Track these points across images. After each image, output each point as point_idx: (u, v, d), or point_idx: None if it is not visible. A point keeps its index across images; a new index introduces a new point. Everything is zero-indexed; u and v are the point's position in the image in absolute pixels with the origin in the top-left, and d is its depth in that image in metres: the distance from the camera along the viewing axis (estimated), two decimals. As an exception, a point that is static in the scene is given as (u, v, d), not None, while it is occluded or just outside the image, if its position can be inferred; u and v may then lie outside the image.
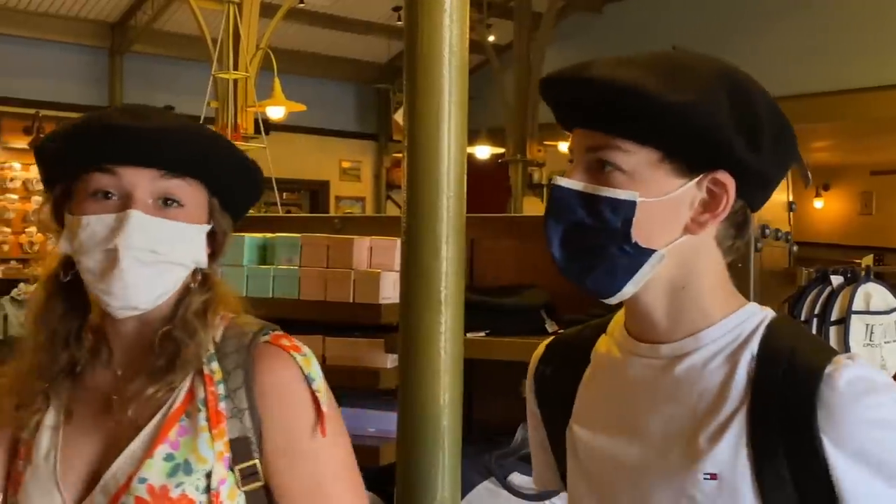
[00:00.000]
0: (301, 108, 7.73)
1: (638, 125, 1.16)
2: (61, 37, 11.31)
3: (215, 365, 1.33)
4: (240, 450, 1.30)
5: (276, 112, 7.75)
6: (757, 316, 1.23)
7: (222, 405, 1.30)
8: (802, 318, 2.41)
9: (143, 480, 1.26)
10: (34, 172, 10.84)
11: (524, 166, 12.38)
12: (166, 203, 1.31)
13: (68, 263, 1.34)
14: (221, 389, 1.32)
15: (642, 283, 1.20)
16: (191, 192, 1.33)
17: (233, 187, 1.41)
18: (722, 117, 1.15)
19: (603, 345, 1.35)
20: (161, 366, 1.31)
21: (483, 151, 11.68)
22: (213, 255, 1.39)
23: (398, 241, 1.86)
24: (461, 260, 2.13)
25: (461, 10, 2.06)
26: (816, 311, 2.41)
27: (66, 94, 11.31)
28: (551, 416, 1.40)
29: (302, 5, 10.78)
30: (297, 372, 1.34)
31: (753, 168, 1.18)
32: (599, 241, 1.18)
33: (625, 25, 12.37)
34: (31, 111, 10.74)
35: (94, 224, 1.28)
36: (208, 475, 1.27)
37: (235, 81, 7.12)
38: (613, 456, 1.26)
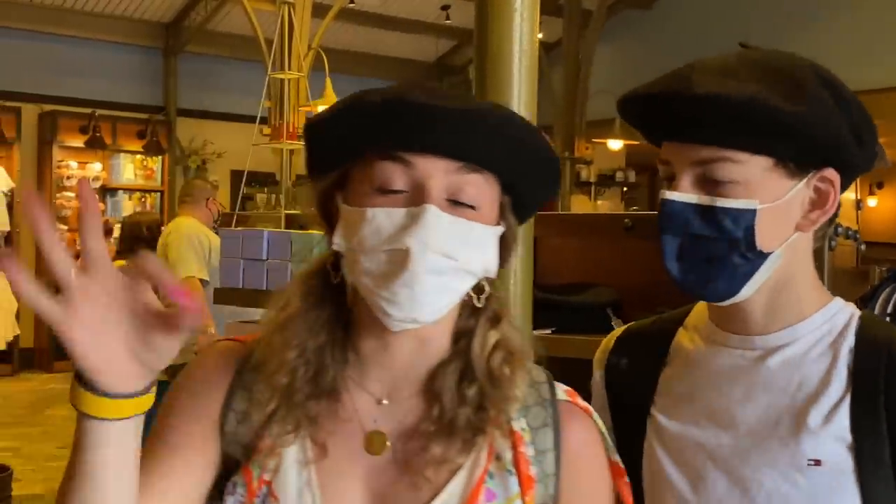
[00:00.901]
0: (352, 107, 7.76)
1: (755, 138, 1.19)
2: (116, 37, 11.47)
3: (524, 422, 1.12)
4: None
5: (328, 111, 7.77)
6: (845, 311, 1.28)
7: (533, 470, 1.10)
8: (874, 317, 2.40)
9: None
10: (90, 171, 11.02)
11: (572, 164, 12.32)
12: (458, 202, 1.07)
13: (335, 264, 1.13)
14: (531, 451, 1.11)
15: (758, 284, 1.23)
16: (487, 190, 1.09)
17: (531, 185, 1.16)
18: (835, 119, 1.18)
19: (684, 337, 1.38)
20: (465, 423, 1.09)
21: (531, 149, 11.65)
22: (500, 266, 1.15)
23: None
24: (529, 258, 2.14)
25: (531, 9, 2.07)
26: (889, 309, 2.38)
27: (122, 94, 11.48)
28: (624, 406, 1.41)
29: (352, 5, 10.84)
30: (599, 437, 1.17)
31: (857, 162, 1.23)
32: (720, 251, 1.21)
33: (675, 22, 12.27)
34: (88, 111, 10.90)
35: (381, 218, 1.05)
36: None
37: (288, 81, 7.17)
38: (705, 444, 1.28)
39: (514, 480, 1.09)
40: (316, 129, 1.14)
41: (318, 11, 8.88)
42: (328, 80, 6.78)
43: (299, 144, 6.46)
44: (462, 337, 1.13)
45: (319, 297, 1.13)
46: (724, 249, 1.21)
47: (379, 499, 1.09)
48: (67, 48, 11.12)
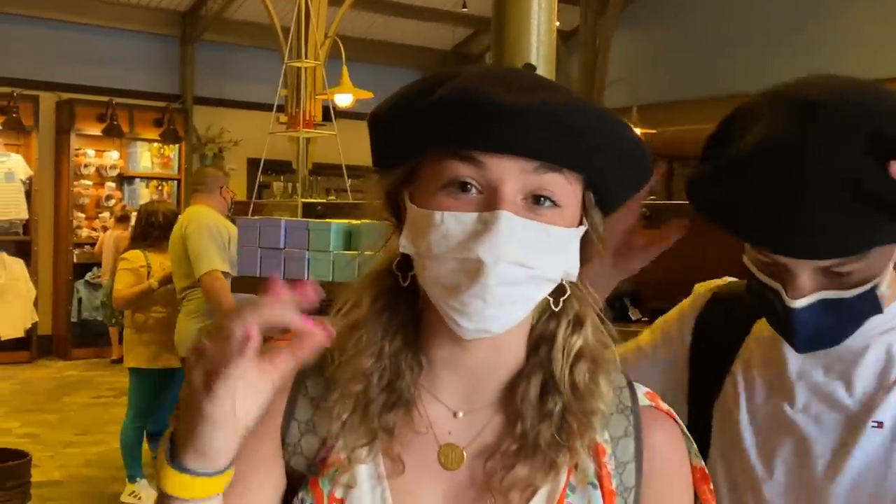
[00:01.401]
0: (368, 95, 7.76)
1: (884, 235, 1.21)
2: (133, 25, 11.50)
3: (606, 433, 1.05)
4: None
5: (344, 99, 7.79)
6: None
7: (614, 483, 1.03)
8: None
9: None
10: (107, 159, 11.07)
11: (589, 153, 12.31)
12: (538, 201, 0.98)
13: (401, 263, 1.04)
14: (612, 464, 1.04)
15: None
16: (568, 189, 0.99)
17: (614, 180, 1.05)
18: None
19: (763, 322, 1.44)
20: (548, 444, 1.01)
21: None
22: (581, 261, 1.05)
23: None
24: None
25: (550, -3, 2.06)
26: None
27: (139, 83, 11.51)
28: (708, 362, 1.49)
29: (369, -7, 10.83)
30: (683, 442, 1.10)
31: None
32: (852, 323, 1.29)
33: (694, 10, 12.19)
34: (105, 99, 10.93)
35: (450, 223, 0.96)
36: None
37: (305, 69, 7.17)
38: (780, 406, 1.38)
39: (597, 494, 1.02)
40: (379, 123, 1.04)
41: (335, -1, 8.89)
42: (345, 69, 6.79)
43: (316, 133, 6.49)
44: (542, 343, 1.05)
45: (392, 299, 1.05)
46: (855, 322, 1.28)
47: None
48: (85, 36, 11.16)
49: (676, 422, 1.10)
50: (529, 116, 0.94)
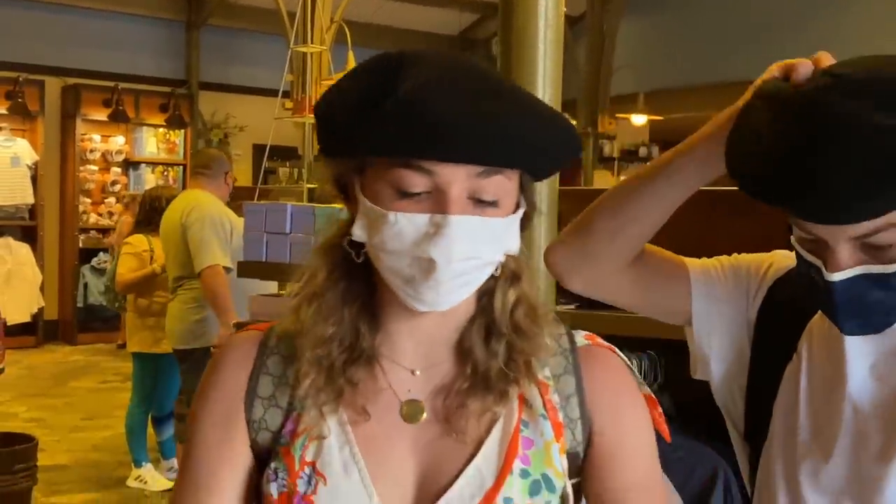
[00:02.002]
0: (374, 80, 7.76)
1: None
2: (139, 10, 11.47)
3: (547, 370, 1.14)
4: (572, 464, 1.14)
5: (350, 85, 7.77)
6: None
7: (560, 415, 1.13)
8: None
9: (508, 500, 1.07)
10: (113, 144, 11.08)
11: (595, 139, 12.28)
12: (480, 201, 1.06)
13: (353, 242, 1.10)
14: (556, 398, 1.14)
15: None
16: (508, 185, 1.08)
17: (552, 165, 1.18)
18: None
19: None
20: (497, 375, 1.11)
21: (554, 124, 11.60)
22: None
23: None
24: (554, 232, 2.14)
25: (557, -18, 2.05)
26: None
27: (144, 68, 11.51)
28: (772, 336, 1.44)
29: (375, -22, 10.79)
30: (625, 370, 1.20)
31: None
32: (893, 302, 1.23)
33: (700, -4, 12.13)
34: (111, 84, 10.92)
35: (403, 223, 1.04)
36: (563, 495, 1.12)
37: (310, 55, 7.16)
38: (838, 385, 1.34)
39: (548, 425, 1.12)
40: (324, 119, 1.08)
41: (341, -16, 8.85)
42: (350, 54, 6.76)
43: (322, 118, 6.47)
44: (484, 295, 1.14)
45: (346, 270, 1.12)
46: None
47: (424, 464, 1.10)
48: (90, 21, 11.15)
49: (617, 354, 1.20)
50: (474, 128, 1.01)
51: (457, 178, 1.03)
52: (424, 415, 1.12)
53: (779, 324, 1.44)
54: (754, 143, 1.21)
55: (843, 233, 1.18)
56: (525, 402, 1.12)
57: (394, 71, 1.03)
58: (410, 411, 1.12)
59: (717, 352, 1.47)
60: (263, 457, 1.13)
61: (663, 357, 2.43)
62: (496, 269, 1.11)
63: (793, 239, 1.29)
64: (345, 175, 1.11)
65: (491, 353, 1.12)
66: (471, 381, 1.11)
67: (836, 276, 1.20)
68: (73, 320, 10.68)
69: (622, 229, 1.41)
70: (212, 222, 4.81)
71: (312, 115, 6.40)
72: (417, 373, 1.14)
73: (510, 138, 1.04)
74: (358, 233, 1.07)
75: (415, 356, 1.14)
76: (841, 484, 1.34)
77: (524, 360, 1.12)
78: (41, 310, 10.05)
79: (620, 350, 1.23)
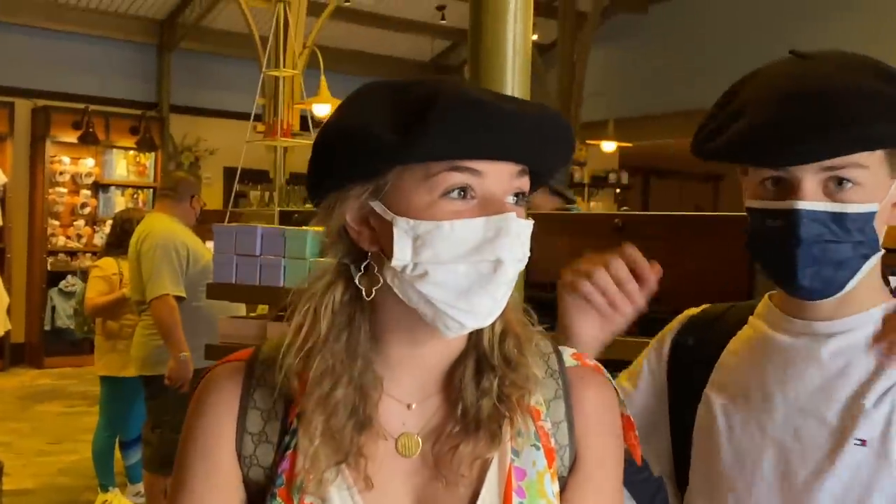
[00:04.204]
0: (347, 105, 7.78)
1: (884, 129, 1.24)
2: (110, 33, 11.45)
3: (539, 396, 1.12)
4: (561, 489, 1.11)
5: (322, 109, 7.79)
6: None
7: (552, 442, 1.11)
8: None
9: None
10: (83, 167, 11.01)
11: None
12: (517, 202, 1.05)
13: (366, 276, 1.07)
14: (548, 424, 1.11)
15: (860, 278, 1.30)
16: (528, 185, 1.08)
17: (552, 174, 1.17)
18: None
19: (751, 323, 1.46)
20: (488, 416, 1.07)
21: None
22: None
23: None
24: (521, 256, 2.16)
25: (525, 10, 2.09)
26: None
27: (116, 90, 11.47)
28: (684, 384, 1.50)
29: (347, 4, 10.85)
30: (612, 393, 1.17)
31: None
32: (847, 254, 1.26)
33: (669, 26, 12.30)
34: (81, 106, 10.88)
35: (462, 231, 1.00)
36: None
37: (283, 79, 7.18)
38: (755, 419, 1.38)
39: (540, 455, 1.09)
40: (358, 136, 1.01)
41: (314, 9, 8.90)
42: (323, 78, 6.79)
43: (293, 142, 6.49)
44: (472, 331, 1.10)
45: (348, 317, 1.08)
46: (851, 252, 1.26)
47: (421, 499, 1.08)
48: (61, 43, 11.10)
49: (604, 374, 1.18)
50: (522, 123, 1.01)
51: (502, 177, 1.02)
52: (419, 448, 1.09)
53: (688, 374, 1.50)
54: (726, 117, 1.31)
55: (816, 168, 1.24)
56: (516, 432, 1.08)
57: (417, 81, 1.04)
58: (406, 444, 1.09)
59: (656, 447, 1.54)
60: (256, 494, 1.09)
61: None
62: None
63: (748, 202, 1.33)
64: (353, 207, 1.05)
65: (482, 391, 1.08)
66: (462, 423, 1.08)
67: (803, 205, 1.24)
68: (40, 343, 10.56)
69: None
70: (164, 250, 4.69)
71: (284, 139, 6.44)
72: (413, 406, 1.10)
73: (545, 137, 1.05)
74: (401, 256, 1.01)
75: (411, 389, 1.11)
76: (769, 496, 1.36)
77: (518, 392, 1.08)
78: (8, 333, 9.90)
79: None
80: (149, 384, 4.94)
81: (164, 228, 4.84)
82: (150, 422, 5.06)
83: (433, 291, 1.01)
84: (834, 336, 1.35)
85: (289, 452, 1.07)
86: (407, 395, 1.10)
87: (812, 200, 1.24)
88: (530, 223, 1.04)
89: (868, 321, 1.35)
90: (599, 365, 1.19)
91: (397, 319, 1.07)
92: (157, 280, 4.66)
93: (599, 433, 1.14)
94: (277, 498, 1.06)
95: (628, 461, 1.20)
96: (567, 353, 1.18)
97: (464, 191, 1.01)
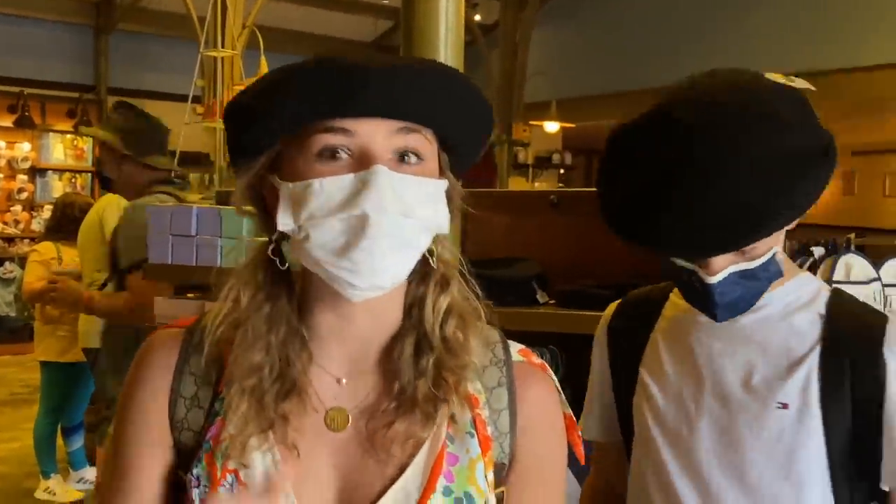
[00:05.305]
0: (288, 86, 7.72)
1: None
2: (46, 14, 11.24)
3: (479, 384, 1.11)
4: (497, 475, 1.10)
5: (263, 91, 7.74)
6: (813, 283, 1.53)
7: (489, 429, 1.10)
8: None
9: None
10: (19, 151, 10.82)
11: (510, 146, 12.40)
12: (403, 158, 1.03)
13: (276, 250, 1.08)
14: (487, 412, 1.10)
15: None
16: (428, 146, 1.06)
17: (466, 140, 1.12)
18: None
19: (672, 302, 1.58)
20: (424, 397, 1.07)
21: (469, 131, 11.67)
22: None
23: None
24: (456, 233, 2.19)
25: (457, -13, 2.10)
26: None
27: (52, 73, 11.27)
28: (622, 365, 1.64)
29: (288, -16, 10.75)
30: (554, 393, 1.17)
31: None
32: (755, 291, 1.43)
33: (611, 7, 12.36)
34: (16, 90, 10.69)
35: (330, 187, 1.00)
36: None
37: (222, 60, 7.10)
38: (686, 394, 1.51)
39: (474, 442, 1.08)
40: (238, 110, 1.07)
41: (254, -10, 8.80)
42: (263, 59, 6.74)
43: (233, 124, 6.44)
44: (413, 306, 1.11)
45: (270, 289, 1.09)
46: (760, 287, 1.43)
47: (346, 477, 1.07)
48: (-6, 25, 10.88)
49: (548, 374, 1.18)
50: (390, 80, 1.00)
51: (377, 135, 1.01)
52: (349, 423, 1.09)
53: (624, 356, 1.63)
54: (620, 198, 1.41)
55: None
56: (452, 417, 1.08)
57: (311, 59, 1.04)
58: (335, 419, 1.09)
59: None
60: (185, 457, 1.10)
61: (565, 352, 2.51)
62: (433, 262, 1.09)
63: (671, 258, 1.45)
64: (260, 179, 1.08)
65: (419, 371, 1.08)
66: (397, 401, 1.07)
67: (714, 279, 1.38)
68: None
69: None
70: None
71: (223, 121, 6.38)
72: (344, 381, 1.10)
73: (426, 91, 1.03)
74: (284, 221, 1.03)
75: (342, 363, 1.10)
76: (707, 458, 1.48)
77: (454, 377, 1.07)
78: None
79: (522, 344, 1.21)
80: (96, 356, 4.91)
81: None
82: (97, 404, 5.02)
83: (318, 252, 1.01)
84: (753, 311, 1.46)
85: (218, 419, 1.08)
86: (338, 369, 1.10)
87: (721, 273, 1.38)
88: (411, 178, 1.02)
89: (783, 295, 1.48)
90: (545, 364, 1.18)
91: (318, 288, 1.08)
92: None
93: (542, 429, 1.14)
94: (203, 462, 1.07)
95: (572, 457, 1.19)
96: (515, 347, 1.17)
97: (337, 151, 1.01)
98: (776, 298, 1.47)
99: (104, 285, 3.83)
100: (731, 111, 1.34)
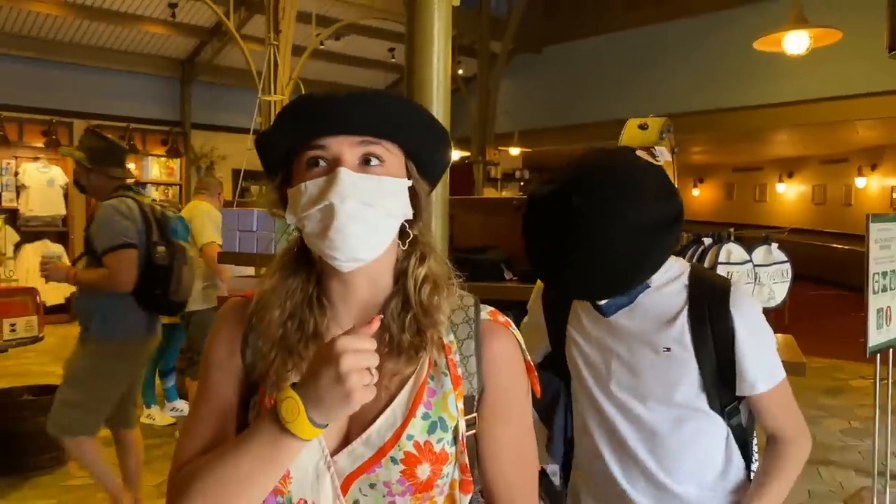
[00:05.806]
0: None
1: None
2: (146, 69, 11.17)
3: (452, 336, 1.10)
4: (468, 405, 1.09)
5: (304, 125, 7.70)
6: (682, 263, 1.59)
7: (460, 370, 1.08)
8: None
9: (410, 437, 1.04)
10: (126, 170, 10.71)
11: (484, 165, 12.39)
12: (367, 162, 1.03)
13: (299, 240, 1.10)
14: (458, 357, 1.09)
15: None
16: (388, 153, 1.05)
17: (425, 150, 1.10)
18: None
19: None
20: (408, 345, 1.06)
21: (455, 155, 11.67)
22: (416, 216, 1.10)
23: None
24: (446, 229, 2.19)
25: (446, 51, 2.10)
26: (693, 262, 2.49)
27: (149, 112, 11.21)
28: (555, 328, 1.67)
29: (322, 47, 10.68)
30: (515, 343, 1.13)
31: None
32: (635, 296, 1.51)
33: (560, 62, 12.35)
34: (124, 125, 10.62)
35: (310, 187, 1.02)
36: (455, 429, 1.07)
37: (274, 102, 7.07)
38: (605, 343, 1.57)
39: (447, 379, 1.07)
40: (261, 145, 1.09)
41: (297, 51, 8.73)
42: (304, 103, 6.70)
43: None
44: (401, 275, 1.10)
45: (292, 267, 1.10)
46: (639, 293, 1.51)
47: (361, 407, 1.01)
48: (108, 77, 10.79)
49: (511, 329, 1.14)
50: (355, 105, 1.01)
51: (343, 146, 1.02)
52: None
53: (555, 319, 1.66)
54: (537, 251, 1.46)
55: None
56: (433, 362, 1.07)
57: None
58: None
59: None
60: (249, 392, 1.10)
61: (523, 315, 2.51)
62: (403, 245, 1.09)
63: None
64: (281, 189, 1.09)
65: (404, 325, 1.07)
66: (388, 347, 1.06)
67: (602, 302, 1.51)
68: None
69: None
70: (208, 215, 5.16)
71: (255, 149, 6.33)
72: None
73: (378, 112, 1.03)
74: (289, 217, 1.05)
75: (348, 319, 1.09)
76: (618, 385, 1.53)
77: (429, 330, 1.06)
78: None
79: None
80: (191, 319, 5.12)
81: (206, 205, 5.34)
82: (185, 354, 5.33)
83: (310, 237, 1.03)
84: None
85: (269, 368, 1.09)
86: (347, 323, 1.09)
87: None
88: (371, 176, 1.02)
89: (659, 276, 1.52)
90: (509, 321, 1.15)
91: (325, 264, 1.08)
92: (206, 232, 5.07)
93: (505, 368, 1.11)
94: (258, 394, 1.09)
95: (532, 393, 1.18)
96: (486, 309, 1.14)
97: (318, 161, 1.03)
98: (654, 280, 1.51)
99: (76, 262, 3.64)
100: (609, 194, 1.37)
